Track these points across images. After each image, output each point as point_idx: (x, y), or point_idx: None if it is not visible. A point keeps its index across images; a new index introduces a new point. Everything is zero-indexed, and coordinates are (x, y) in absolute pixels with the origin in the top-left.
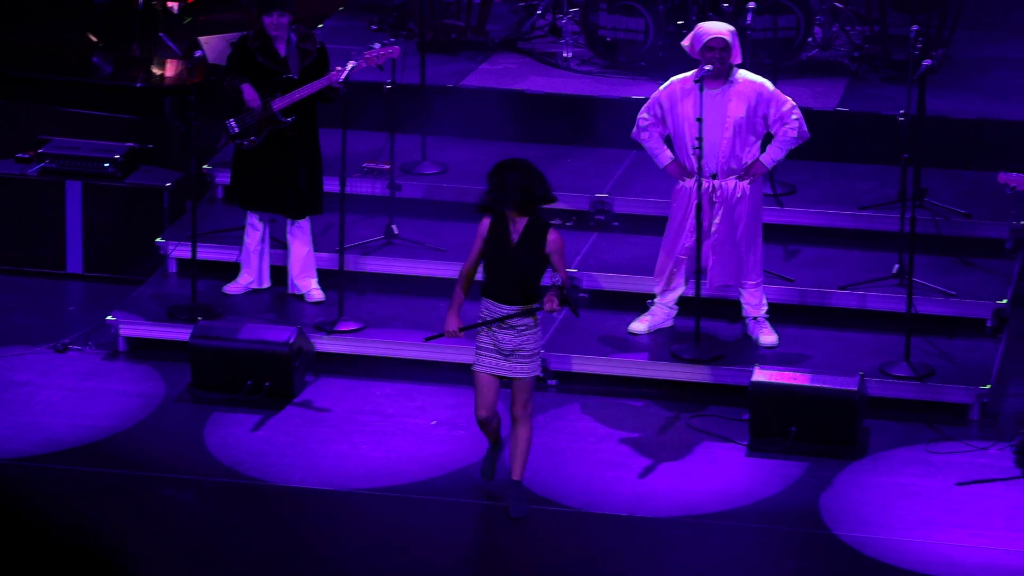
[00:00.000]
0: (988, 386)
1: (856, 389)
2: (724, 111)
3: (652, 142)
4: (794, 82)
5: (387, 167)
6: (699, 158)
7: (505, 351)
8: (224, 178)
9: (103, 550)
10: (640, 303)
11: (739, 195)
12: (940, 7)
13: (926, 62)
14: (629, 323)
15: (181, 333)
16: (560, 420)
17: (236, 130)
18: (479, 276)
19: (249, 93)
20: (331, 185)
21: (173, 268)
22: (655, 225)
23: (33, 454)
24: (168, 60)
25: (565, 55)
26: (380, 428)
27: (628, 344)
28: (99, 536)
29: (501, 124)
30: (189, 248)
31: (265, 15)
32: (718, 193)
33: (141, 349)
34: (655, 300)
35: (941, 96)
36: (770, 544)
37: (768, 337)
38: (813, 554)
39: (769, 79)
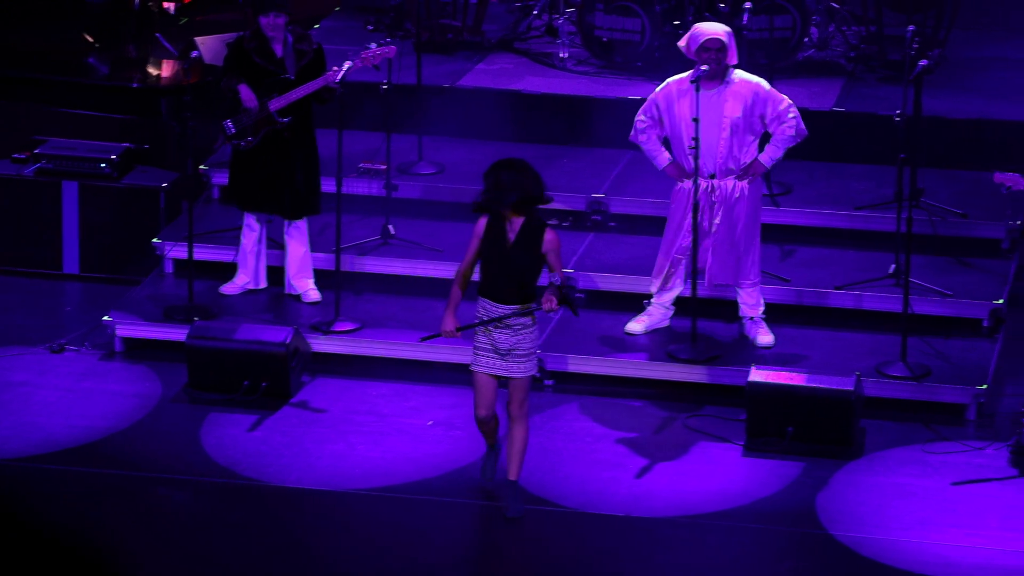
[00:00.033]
0: (984, 386)
1: (852, 389)
2: (721, 111)
3: (650, 144)
4: (790, 82)
5: (383, 167)
6: (695, 158)
7: (502, 350)
8: (220, 178)
9: (100, 550)
10: (637, 303)
11: (737, 195)
12: (936, 7)
13: (922, 62)
14: (626, 323)
15: (178, 333)
16: (557, 420)
17: (233, 131)
18: (475, 276)
19: (246, 94)
20: (327, 185)
21: (169, 268)
22: (652, 225)
23: (30, 454)
24: (164, 60)
25: (561, 55)
26: (376, 428)
27: (625, 344)
28: (96, 536)
29: (497, 124)
30: (185, 248)
31: (261, 16)
32: (717, 193)
33: (138, 349)
34: (651, 300)
35: (937, 96)
36: (767, 544)
37: (765, 337)
38: (810, 554)
39: (765, 79)
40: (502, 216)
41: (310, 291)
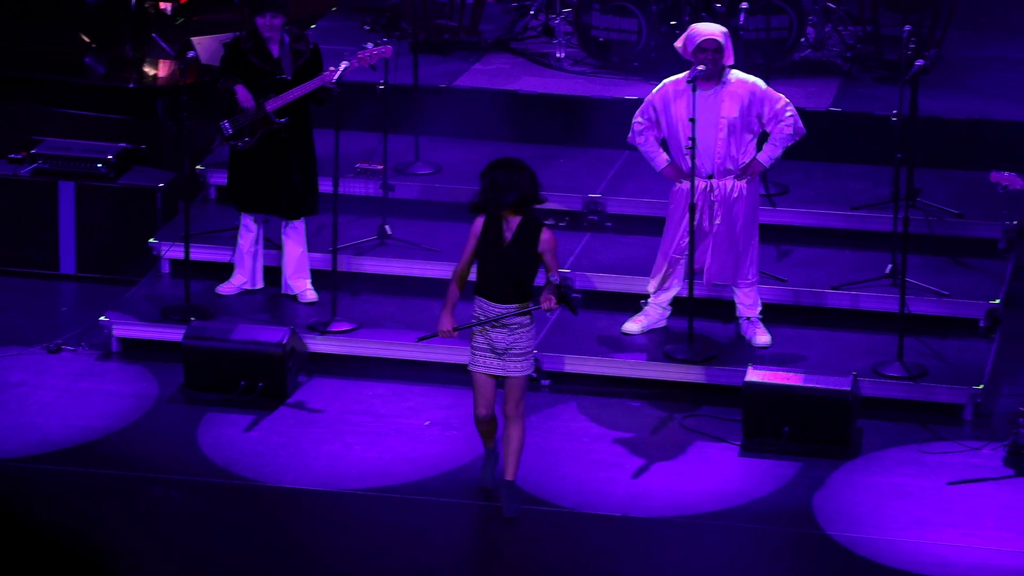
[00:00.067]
0: (981, 386)
1: (849, 389)
2: (718, 112)
3: (648, 146)
4: (787, 82)
5: (380, 167)
6: (692, 158)
7: (498, 350)
8: (217, 178)
9: (97, 550)
10: (633, 303)
11: (736, 195)
12: (932, 7)
13: (919, 62)
14: (623, 323)
15: (174, 334)
16: (553, 420)
17: (230, 131)
18: (472, 276)
19: (243, 94)
20: (324, 185)
21: (166, 269)
22: (648, 225)
23: (27, 455)
24: (161, 61)
25: (558, 55)
26: (373, 428)
27: (622, 344)
28: (93, 536)
29: (494, 124)
30: (182, 249)
31: (258, 16)
32: (715, 193)
33: (134, 350)
34: (648, 300)
35: (934, 96)
36: (763, 544)
37: (762, 337)
38: (806, 554)
39: (762, 79)
40: (499, 216)
41: (307, 291)
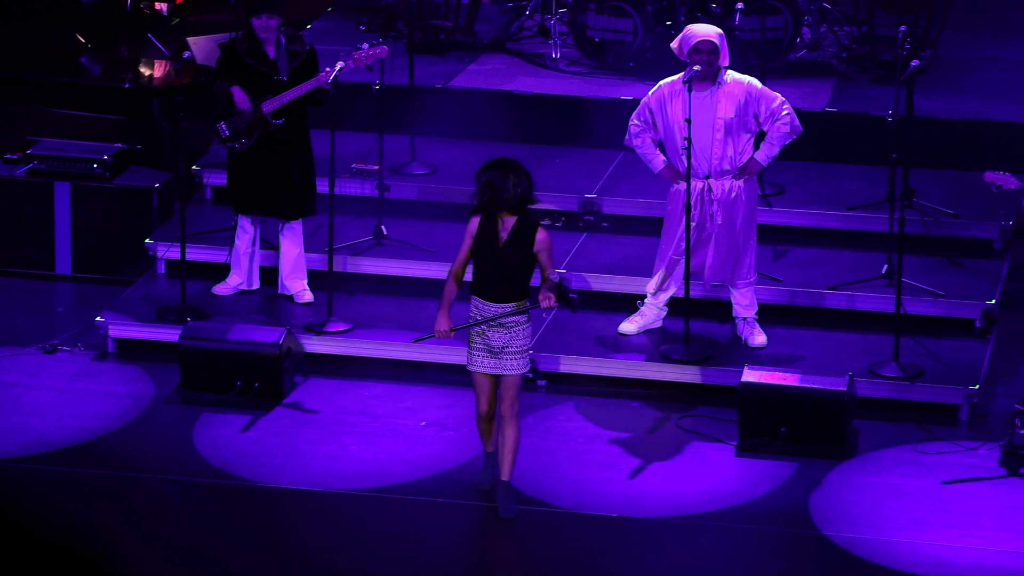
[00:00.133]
0: (977, 386)
1: (845, 389)
2: (714, 112)
3: (645, 148)
4: (782, 83)
5: (376, 168)
6: (688, 159)
7: (495, 349)
8: (213, 179)
9: (92, 551)
10: (629, 303)
11: (734, 194)
12: (928, 8)
13: (914, 63)
14: (618, 324)
15: (170, 334)
16: (550, 420)
17: (227, 133)
18: (468, 276)
19: (239, 96)
20: (320, 186)
21: (162, 269)
22: (644, 225)
23: (22, 455)
24: (156, 61)
25: (554, 55)
26: (369, 429)
27: (618, 344)
28: (88, 537)
29: (490, 124)
30: (178, 249)
31: (254, 17)
32: (714, 193)
33: (130, 350)
34: (645, 300)
35: (930, 96)
36: (760, 544)
37: (758, 338)
38: (803, 554)
39: (757, 80)
40: (494, 215)
41: (303, 292)
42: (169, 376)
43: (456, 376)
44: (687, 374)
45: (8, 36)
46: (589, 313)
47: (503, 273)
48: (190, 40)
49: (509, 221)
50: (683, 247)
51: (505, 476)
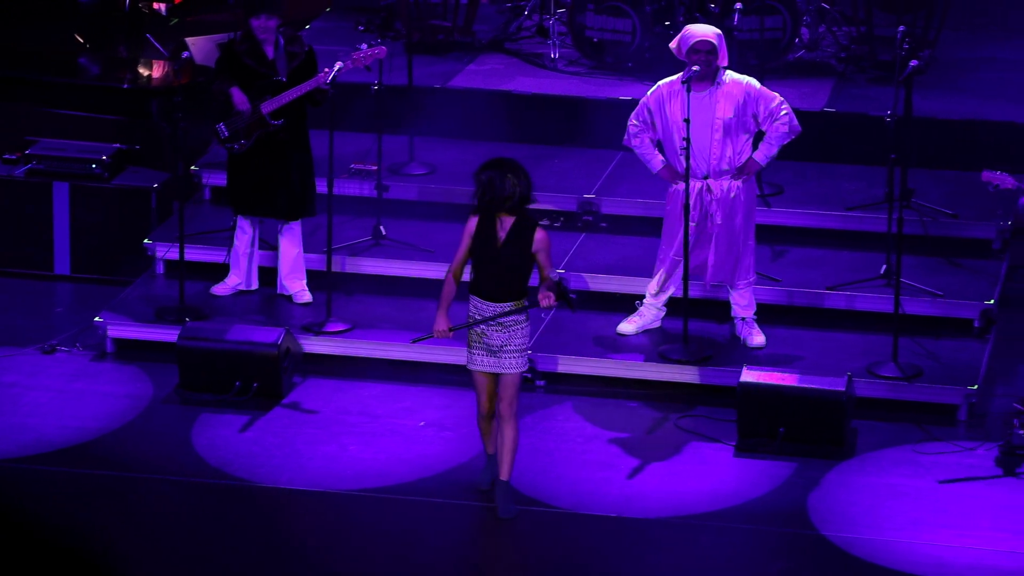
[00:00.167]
0: (975, 386)
1: (844, 389)
2: (712, 112)
3: (643, 148)
4: (781, 83)
5: (374, 168)
6: (686, 159)
7: (493, 347)
8: (212, 179)
9: (91, 551)
10: (628, 304)
11: (733, 194)
12: (926, 8)
13: (913, 63)
14: (617, 324)
15: (169, 334)
16: (548, 421)
17: (226, 134)
18: (466, 275)
19: (238, 97)
20: (319, 186)
21: (161, 269)
22: (643, 226)
23: (21, 455)
24: (155, 61)
25: (552, 56)
26: (368, 429)
27: (616, 345)
28: (87, 537)
29: (488, 125)
30: (177, 249)
31: (252, 18)
32: (713, 193)
33: (129, 350)
34: (644, 301)
35: (928, 97)
36: (758, 545)
37: (757, 338)
38: (801, 554)
39: (756, 80)
40: (493, 215)
41: (302, 292)
42: (168, 376)
43: (455, 376)
44: (686, 374)
45: (7, 36)
46: (588, 313)
47: (502, 273)
48: (189, 40)
49: (507, 221)
50: (682, 247)
51: (504, 476)
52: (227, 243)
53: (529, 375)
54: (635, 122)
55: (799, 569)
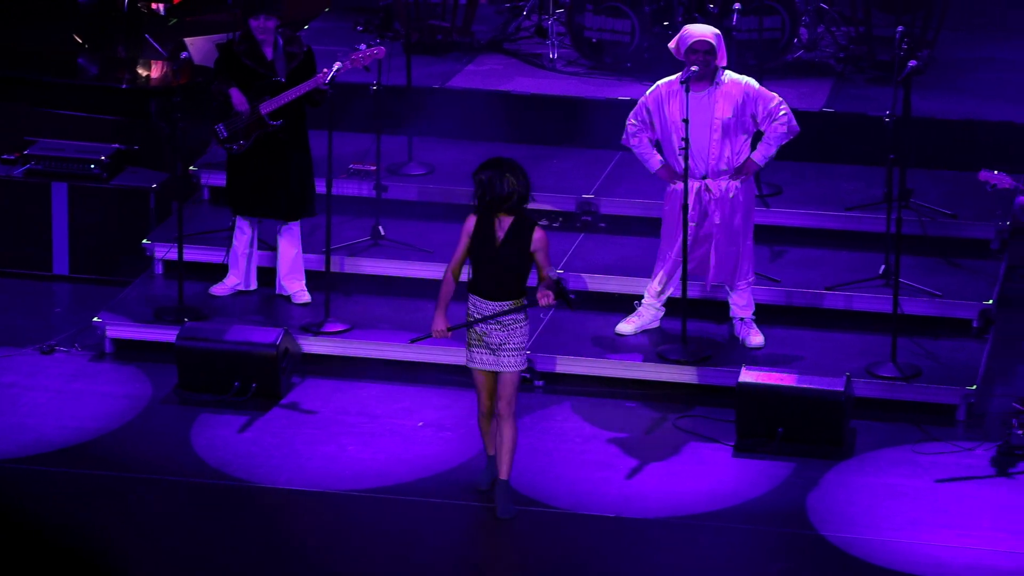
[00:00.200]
0: (974, 386)
1: (843, 390)
2: (711, 113)
3: (642, 148)
4: (780, 83)
5: (373, 168)
6: (685, 159)
7: (492, 346)
8: (210, 179)
9: (90, 551)
10: (627, 304)
11: (732, 195)
12: (925, 8)
13: (911, 63)
14: (616, 324)
15: (168, 334)
16: (547, 421)
17: (225, 135)
18: (465, 275)
19: (237, 97)
20: (318, 186)
21: (160, 269)
22: (642, 226)
23: (20, 455)
24: (154, 61)
25: (551, 56)
26: (367, 429)
27: (615, 345)
28: (86, 537)
29: (487, 125)
30: (176, 249)
31: (251, 18)
32: (711, 193)
33: (128, 350)
34: (642, 301)
35: (927, 97)
36: (757, 545)
37: (755, 338)
38: (800, 555)
39: (755, 80)
40: (491, 215)
41: (301, 292)
42: (166, 376)
43: (453, 376)
44: (684, 374)
45: (6, 36)
46: (586, 313)
47: (500, 272)
48: (187, 41)
49: (506, 221)
50: (681, 247)
51: (503, 475)
52: (226, 243)
53: (528, 375)
54: (634, 122)
55: (798, 569)
